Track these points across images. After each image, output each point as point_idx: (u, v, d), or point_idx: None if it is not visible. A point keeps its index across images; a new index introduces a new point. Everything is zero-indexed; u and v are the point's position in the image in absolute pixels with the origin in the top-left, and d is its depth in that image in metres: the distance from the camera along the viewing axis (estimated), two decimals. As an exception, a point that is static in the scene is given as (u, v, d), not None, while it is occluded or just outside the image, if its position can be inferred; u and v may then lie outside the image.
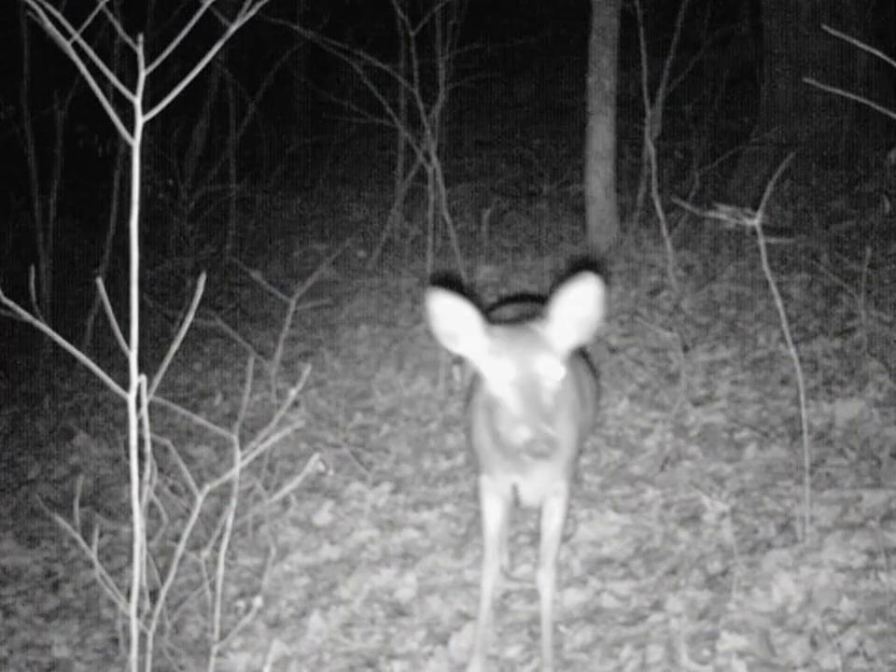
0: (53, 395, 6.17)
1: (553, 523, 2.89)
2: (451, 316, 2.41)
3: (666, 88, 6.16)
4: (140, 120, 1.97)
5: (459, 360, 3.24)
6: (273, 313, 6.56)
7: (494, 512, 2.91)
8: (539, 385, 2.35)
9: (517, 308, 3.37)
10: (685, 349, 4.60)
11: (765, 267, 3.28)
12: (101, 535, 4.12)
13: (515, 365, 2.36)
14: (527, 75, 10.52)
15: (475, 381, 2.81)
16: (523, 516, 3.83)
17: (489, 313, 3.52)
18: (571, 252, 6.18)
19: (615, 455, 4.07)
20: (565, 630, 3.13)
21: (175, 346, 2.08)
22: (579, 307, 2.41)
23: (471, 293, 2.61)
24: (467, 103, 9.07)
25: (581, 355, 3.16)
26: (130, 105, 1.98)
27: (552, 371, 2.38)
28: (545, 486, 2.81)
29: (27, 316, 2.20)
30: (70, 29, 1.96)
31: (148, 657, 2.23)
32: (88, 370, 2.61)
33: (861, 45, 3.20)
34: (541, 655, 2.96)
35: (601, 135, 5.92)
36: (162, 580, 2.51)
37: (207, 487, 2.15)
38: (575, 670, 2.97)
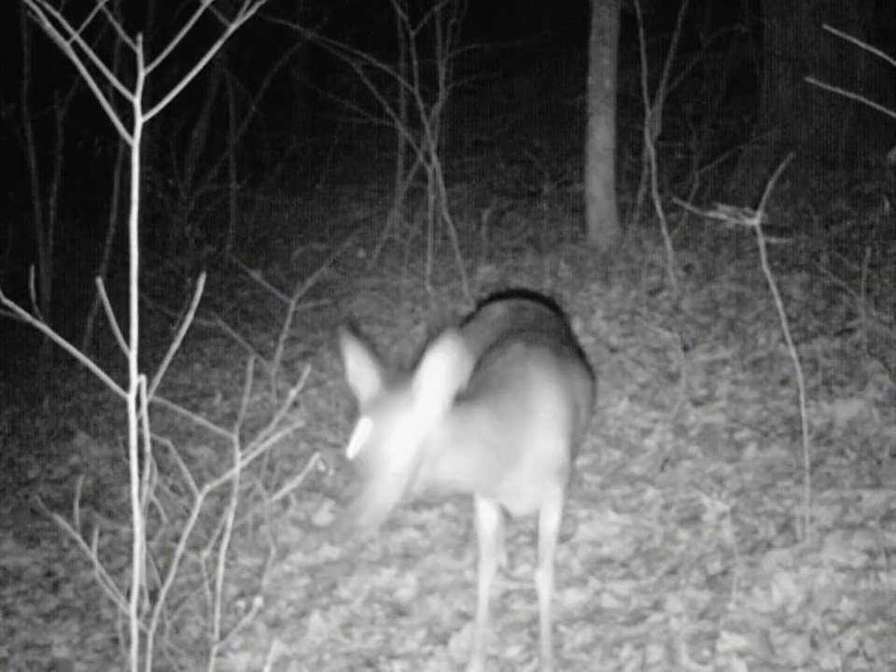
0: (53, 395, 6.16)
1: (549, 524, 2.89)
2: (354, 368, 2.45)
3: (666, 88, 6.16)
4: (140, 120, 1.96)
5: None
6: (273, 313, 6.55)
7: (487, 515, 2.92)
8: (373, 466, 2.29)
9: (506, 304, 3.31)
10: (685, 349, 4.60)
11: (765, 267, 3.27)
12: (101, 535, 4.11)
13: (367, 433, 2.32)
14: (527, 75, 10.52)
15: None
16: (523, 516, 3.83)
17: (479, 308, 3.52)
18: (571, 252, 6.18)
19: (615, 454, 4.07)
20: (565, 630, 3.13)
21: (174, 346, 2.08)
22: (444, 371, 2.34)
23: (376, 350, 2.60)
24: (467, 103, 9.07)
25: (575, 356, 3.13)
26: (130, 105, 1.97)
27: (398, 446, 2.30)
28: (535, 499, 2.82)
29: (27, 316, 2.19)
30: (70, 29, 1.96)
31: (148, 657, 2.23)
32: (88, 370, 2.61)
33: (862, 45, 3.20)
34: (540, 655, 2.96)
35: (601, 135, 5.92)
36: (162, 580, 2.50)
37: (207, 487, 2.15)
38: (575, 670, 2.97)
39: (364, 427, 2.32)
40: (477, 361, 2.84)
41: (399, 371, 2.51)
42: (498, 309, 3.21)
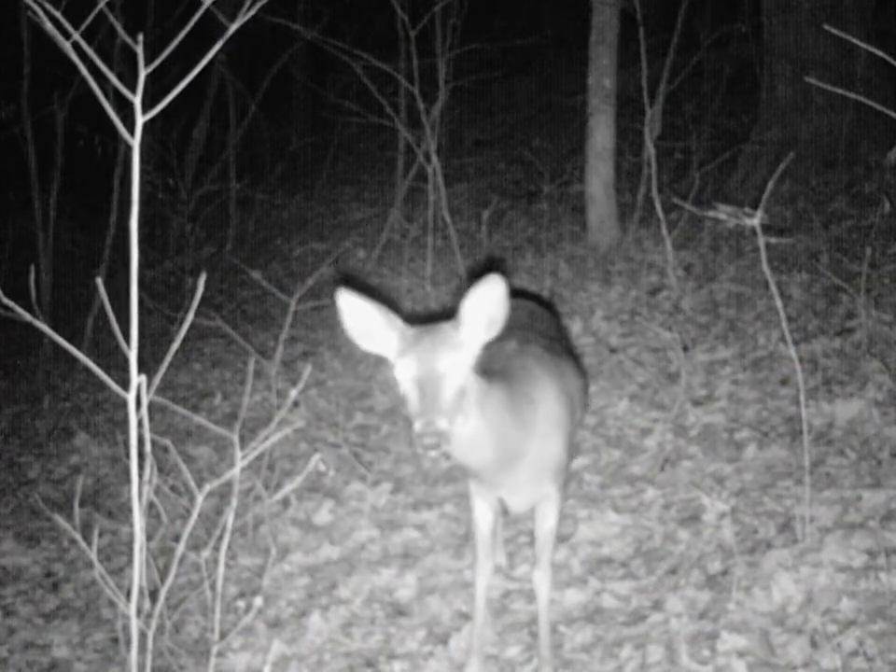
0: (53, 395, 6.16)
1: (545, 525, 2.90)
2: (360, 316, 2.46)
3: (666, 87, 6.16)
4: (140, 120, 1.97)
5: None
6: (273, 313, 6.55)
7: (484, 515, 2.92)
8: (438, 381, 2.37)
9: None
10: (685, 349, 4.60)
11: (765, 267, 3.27)
12: (101, 535, 4.11)
13: (417, 362, 2.38)
14: (527, 75, 10.52)
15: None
16: (523, 517, 3.83)
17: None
18: (571, 252, 6.18)
19: (615, 454, 4.07)
20: (565, 630, 3.13)
21: (174, 346, 2.08)
22: (485, 306, 2.42)
23: (381, 295, 2.60)
24: (467, 103, 9.07)
25: (568, 356, 3.14)
26: (130, 105, 1.98)
27: (454, 368, 2.39)
28: (532, 496, 2.82)
29: (27, 316, 2.20)
30: (70, 29, 1.96)
31: (148, 657, 2.23)
32: (88, 370, 2.61)
33: (862, 45, 3.20)
34: (540, 655, 2.96)
35: (601, 135, 5.92)
36: (162, 580, 2.50)
37: (207, 487, 2.15)
38: (575, 670, 2.97)
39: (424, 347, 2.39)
40: None
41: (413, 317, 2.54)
42: None
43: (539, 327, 3.16)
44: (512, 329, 2.92)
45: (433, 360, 2.37)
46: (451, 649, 3.15)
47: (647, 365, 4.66)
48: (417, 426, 2.32)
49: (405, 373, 2.40)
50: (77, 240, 8.57)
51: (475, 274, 2.72)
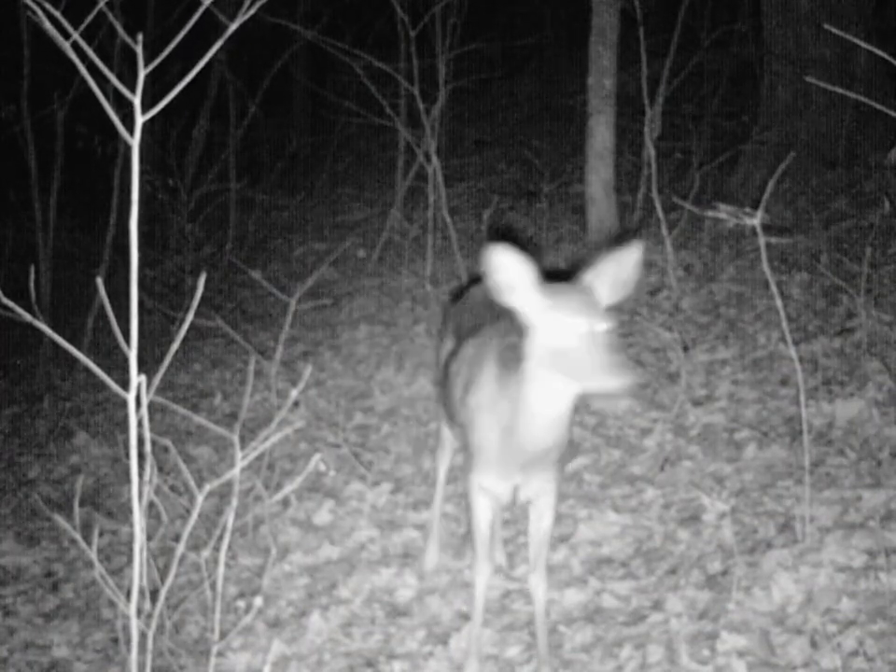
0: (53, 395, 6.16)
1: (543, 524, 2.90)
2: (509, 270, 2.47)
3: (666, 88, 6.16)
4: (140, 120, 1.96)
5: None
6: (273, 313, 6.55)
7: (485, 513, 2.92)
8: (603, 339, 2.44)
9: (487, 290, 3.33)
10: (685, 349, 4.60)
11: (765, 267, 3.28)
12: (101, 535, 4.12)
13: (586, 319, 2.43)
14: (527, 75, 10.52)
15: (475, 380, 2.81)
16: (523, 516, 3.83)
17: (467, 289, 3.52)
18: (571, 252, 6.18)
19: (615, 454, 4.07)
20: (564, 630, 3.13)
21: (174, 346, 2.08)
22: (621, 269, 2.51)
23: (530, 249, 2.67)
24: (467, 103, 9.07)
25: None
26: (130, 105, 1.97)
27: (605, 326, 2.46)
28: (541, 483, 2.82)
29: (27, 316, 2.19)
30: (70, 29, 1.96)
31: (148, 657, 2.23)
32: (88, 370, 2.61)
33: (862, 44, 3.20)
34: (538, 656, 2.96)
35: (601, 135, 5.92)
36: (162, 580, 2.50)
37: (207, 487, 2.15)
38: (575, 670, 2.97)
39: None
40: (457, 342, 3.06)
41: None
42: (479, 294, 3.23)
43: None
44: (498, 317, 2.95)
45: (595, 318, 2.43)
46: (451, 649, 3.15)
47: (647, 365, 4.66)
48: (617, 378, 2.36)
49: (572, 330, 2.42)
50: (77, 240, 8.57)
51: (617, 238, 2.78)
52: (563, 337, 2.43)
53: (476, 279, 3.49)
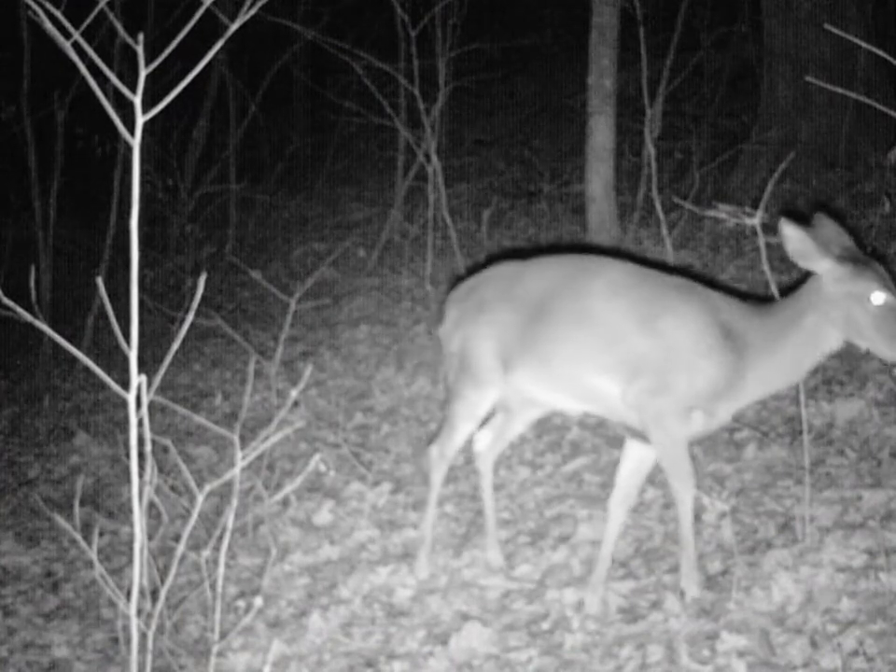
0: (53, 395, 6.17)
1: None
2: (800, 242, 2.81)
3: (666, 87, 6.16)
4: (140, 120, 1.97)
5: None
6: (273, 313, 6.55)
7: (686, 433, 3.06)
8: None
9: (494, 271, 3.43)
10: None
11: (765, 267, 3.27)
12: (101, 535, 4.12)
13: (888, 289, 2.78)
14: (527, 75, 10.51)
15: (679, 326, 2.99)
16: (523, 516, 3.83)
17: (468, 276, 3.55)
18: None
19: (615, 454, 4.06)
20: (564, 630, 3.13)
21: (175, 346, 2.08)
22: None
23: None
24: (467, 103, 9.07)
25: None
26: (130, 105, 1.98)
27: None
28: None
29: (27, 316, 2.20)
30: (70, 29, 1.96)
31: (148, 657, 2.23)
32: (88, 369, 2.62)
33: (862, 44, 3.20)
34: (684, 569, 3.10)
35: (601, 135, 5.91)
36: (162, 580, 2.51)
37: (207, 487, 2.15)
38: (575, 670, 2.97)
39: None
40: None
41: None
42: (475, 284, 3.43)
43: None
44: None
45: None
46: (451, 649, 3.14)
47: (647, 365, 4.65)
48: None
49: (880, 298, 2.76)
50: (77, 240, 8.57)
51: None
52: (866, 304, 2.77)
53: (495, 258, 3.60)
